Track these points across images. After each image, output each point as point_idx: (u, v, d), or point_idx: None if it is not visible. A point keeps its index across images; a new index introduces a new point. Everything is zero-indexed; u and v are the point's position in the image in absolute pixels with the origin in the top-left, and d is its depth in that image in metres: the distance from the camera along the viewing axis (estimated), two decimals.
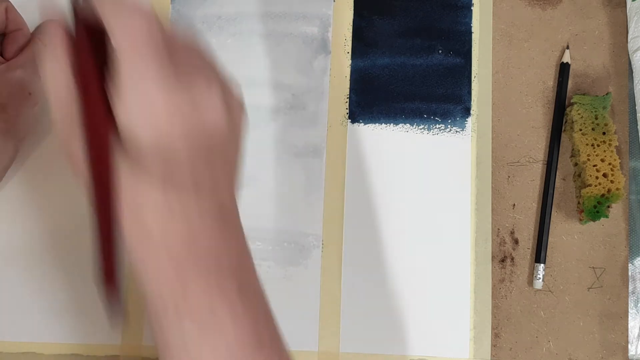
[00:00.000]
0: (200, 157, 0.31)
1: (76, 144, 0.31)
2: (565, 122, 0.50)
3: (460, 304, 0.48)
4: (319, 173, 0.50)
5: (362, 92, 0.51)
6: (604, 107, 0.49)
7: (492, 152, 0.50)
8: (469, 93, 0.51)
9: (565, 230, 0.50)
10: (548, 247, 0.49)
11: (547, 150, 0.50)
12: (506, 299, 0.49)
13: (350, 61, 0.51)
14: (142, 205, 0.30)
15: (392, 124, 0.50)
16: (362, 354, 0.48)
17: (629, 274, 0.49)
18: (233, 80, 0.34)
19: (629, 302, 0.49)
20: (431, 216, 0.49)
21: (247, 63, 0.51)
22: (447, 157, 0.50)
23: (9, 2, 0.45)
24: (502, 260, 0.49)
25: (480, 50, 0.51)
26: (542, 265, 0.49)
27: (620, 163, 0.48)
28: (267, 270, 0.48)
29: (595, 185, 0.48)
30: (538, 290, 0.49)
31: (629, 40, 0.51)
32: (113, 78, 0.29)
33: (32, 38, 0.45)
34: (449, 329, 0.48)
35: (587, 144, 0.48)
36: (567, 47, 0.51)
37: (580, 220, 0.49)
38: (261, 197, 0.49)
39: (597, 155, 0.48)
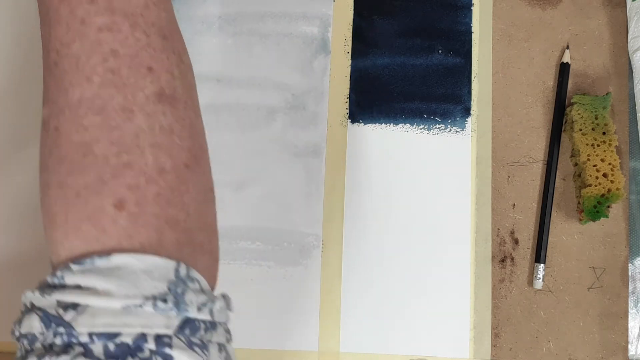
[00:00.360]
0: None
1: None
2: (565, 122, 0.50)
3: (460, 304, 0.48)
4: (319, 173, 0.50)
5: (362, 92, 0.51)
6: (604, 107, 0.49)
7: (492, 152, 0.50)
8: (469, 93, 0.51)
9: (565, 230, 0.50)
10: (548, 247, 0.49)
11: (547, 150, 0.50)
12: (506, 299, 0.49)
13: (350, 61, 0.51)
14: None
15: (392, 124, 0.50)
16: (362, 354, 0.48)
17: (629, 274, 0.49)
18: None
19: (629, 302, 0.49)
20: (431, 216, 0.49)
21: (247, 63, 0.51)
22: (447, 157, 0.50)
23: None
24: (502, 260, 0.49)
25: (480, 50, 0.51)
26: (542, 265, 0.49)
27: (620, 163, 0.48)
28: (267, 270, 0.48)
29: (595, 185, 0.48)
30: (538, 290, 0.49)
31: (629, 40, 0.51)
32: None
33: None
34: (449, 329, 0.48)
35: (587, 144, 0.48)
36: (567, 47, 0.51)
37: (580, 220, 0.49)
38: (261, 197, 0.49)
39: (597, 155, 0.48)
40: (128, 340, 0.28)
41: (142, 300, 0.29)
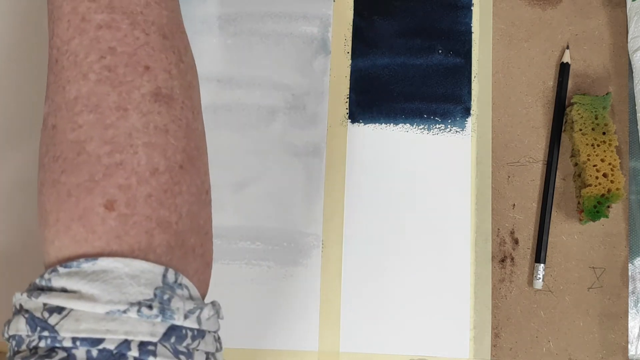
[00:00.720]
0: None
1: None
2: (565, 122, 0.50)
3: (460, 304, 0.48)
4: (319, 173, 0.50)
5: (362, 92, 0.51)
6: (604, 107, 0.49)
7: (492, 152, 0.50)
8: (469, 93, 0.51)
9: (565, 230, 0.50)
10: (548, 247, 0.49)
11: (547, 150, 0.50)
12: (506, 299, 0.49)
13: (350, 61, 0.51)
14: None
15: (392, 124, 0.50)
16: (362, 354, 0.48)
17: (629, 274, 0.49)
18: None
19: (629, 302, 0.49)
20: (431, 216, 0.49)
21: (247, 63, 0.51)
22: (447, 157, 0.50)
23: None
24: (502, 260, 0.49)
25: (480, 50, 0.51)
26: (542, 265, 0.49)
27: (620, 163, 0.48)
28: (267, 270, 0.48)
29: (595, 185, 0.48)
30: (538, 290, 0.49)
31: (629, 40, 0.51)
32: None
33: None
34: (449, 329, 0.48)
35: (587, 144, 0.48)
36: (567, 47, 0.52)
37: (580, 220, 0.49)
38: (261, 197, 0.49)
39: (597, 155, 0.48)
40: (111, 346, 0.28)
41: (126, 306, 0.28)
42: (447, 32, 0.51)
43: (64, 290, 0.29)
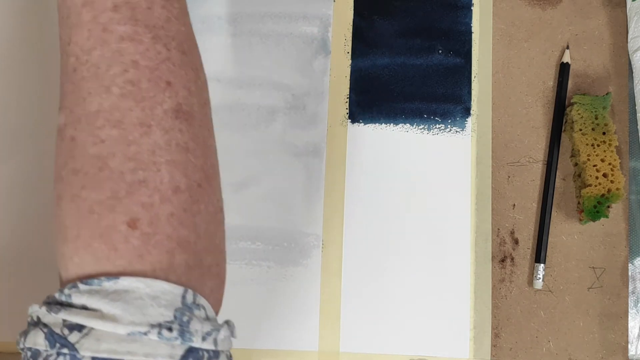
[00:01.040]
0: None
1: None
2: (565, 122, 0.50)
3: (460, 304, 0.48)
4: (319, 173, 0.50)
5: (362, 92, 0.51)
6: (604, 107, 0.49)
7: (492, 152, 0.50)
8: (469, 93, 0.51)
9: (565, 230, 0.50)
10: (548, 247, 0.49)
11: (547, 150, 0.50)
12: (506, 299, 0.49)
13: (350, 61, 0.51)
14: None
15: (392, 124, 0.50)
16: (362, 354, 0.48)
17: (629, 274, 0.49)
18: None
19: (629, 302, 0.49)
20: (431, 216, 0.49)
21: (247, 63, 0.51)
22: (447, 157, 0.50)
23: None
24: (502, 260, 0.49)
25: (480, 50, 0.51)
26: (542, 265, 0.49)
27: (620, 163, 0.48)
28: (267, 271, 0.48)
29: (595, 185, 0.48)
30: (538, 290, 0.49)
31: (629, 40, 0.51)
32: None
33: None
34: (449, 329, 0.48)
35: (587, 144, 0.48)
36: (567, 47, 0.51)
37: (580, 220, 0.49)
38: (261, 197, 0.49)
39: (597, 155, 0.48)
40: None
41: (147, 327, 0.28)
42: (447, 32, 0.51)
43: (84, 308, 0.29)
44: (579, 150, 0.49)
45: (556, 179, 0.50)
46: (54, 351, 0.28)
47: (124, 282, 0.29)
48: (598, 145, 0.48)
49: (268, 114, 0.50)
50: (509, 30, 0.52)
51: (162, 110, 0.31)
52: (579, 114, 0.49)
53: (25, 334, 0.30)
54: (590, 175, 0.48)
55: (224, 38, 0.51)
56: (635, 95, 0.51)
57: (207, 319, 0.31)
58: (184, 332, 0.29)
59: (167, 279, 0.30)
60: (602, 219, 0.48)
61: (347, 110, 0.50)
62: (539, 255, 0.49)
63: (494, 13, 0.52)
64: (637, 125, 0.50)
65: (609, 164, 0.48)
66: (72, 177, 0.31)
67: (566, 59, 0.51)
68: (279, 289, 0.48)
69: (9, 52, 0.49)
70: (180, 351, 0.29)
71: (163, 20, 0.32)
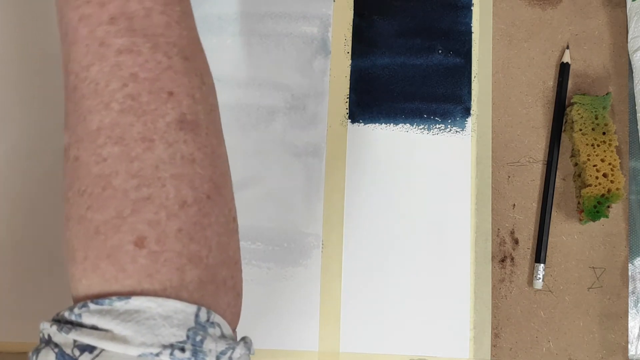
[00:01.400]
0: None
1: None
2: (565, 122, 0.50)
3: (460, 304, 0.48)
4: (319, 173, 0.50)
5: (362, 92, 0.51)
6: (604, 107, 0.49)
7: (492, 152, 0.50)
8: (469, 93, 0.51)
9: (565, 230, 0.50)
10: (548, 247, 0.49)
11: (547, 150, 0.50)
12: (506, 299, 0.49)
13: (350, 61, 0.51)
14: None
15: (392, 124, 0.50)
16: (362, 354, 0.48)
17: (629, 274, 0.49)
18: None
19: (629, 302, 0.49)
20: (431, 216, 0.49)
21: (247, 63, 0.51)
22: (447, 157, 0.50)
23: None
24: (502, 260, 0.49)
25: (480, 50, 0.51)
26: (542, 265, 0.49)
27: (620, 163, 0.48)
28: (267, 271, 0.48)
29: (595, 185, 0.48)
30: (538, 290, 0.49)
31: (629, 40, 0.51)
32: None
33: None
34: (449, 329, 0.48)
35: (587, 144, 0.48)
36: (567, 47, 0.51)
37: (580, 220, 0.49)
38: (261, 197, 0.49)
39: (597, 155, 0.48)
40: None
41: (159, 348, 0.28)
42: (447, 32, 0.51)
43: (95, 328, 0.28)
44: (579, 150, 0.49)
45: (556, 179, 0.50)
46: None
47: (136, 302, 0.28)
48: (598, 145, 0.48)
49: (268, 114, 0.50)
50: (509, 30, 0.52)
51: (164, 122, 0.30)
52: (579, 114, 0.49)
53: (37, 351, 0.29)
54: (590, 175, 0.48)
55: (224, 38, 0.51)
56: (635, 95, 0.51)
57: (223, 336, 0.30)
58: (197, 352, 0.28)
59: (178, 297, 0.29)
60: (602, 219, 0.48)
61: (347, 110, 0.50)
62: (539, 255, 0.49)
63: (494, 13, 0.52)
64: (637, 125, 0.50)
65: (609, 164, 0.48)
66: (78, 198, 0.30)
67: (566, 59, 0.51)
68: (279, 289, 0.48)
69: (7, 53, 0.49)
70: None
71: (163, 26, 0.31)
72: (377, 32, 0.51)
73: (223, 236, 0.32)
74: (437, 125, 0.50)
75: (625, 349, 0.48)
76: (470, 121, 0.51)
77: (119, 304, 0.28)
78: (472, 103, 0.51)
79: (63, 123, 0.33)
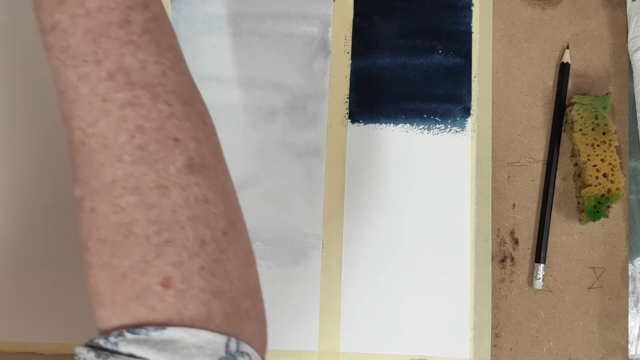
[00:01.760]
0: None
1: None
2: (565, 122, 0.50)
3: (460, 304, 0.48)
4: (319, 173, 0.50)
5: (362, 92, 0.51)
6: (604, 107, 0.49)
7: (492, 152, 0.50)
8: (469, 93, 0.51)
9: (565, 230, 0.50)
10: (548, 247, 0.49)
11: (547, 150, 0.50)
12: (506, 299, 0.49)
13: (350, 61, 0.51)
14: None
15: (392, 124, 0.50)
16: (362, 354, 0.48)
17: (629, 274, 0.49)
18: None
19: (629, 302, 0.49)
20: (431, 216, 0.49)
21: (247, 63, 0.51)
22: (447, 157, 0.50)
23: None
24: (502, 260, 0.49)
25: (480, 50, 0.51)
26: (542, 265, 0.49)
27: (620, 163, 0.48)
28: (267, 271, 0.48)
29: (595, 185, 0.48)
30: (538, 290, 0.49)
31: (629, 40, 0.51)
32: None
33: None
34: (449, 329, 0.48)
35: (587, 144, 0.48)
36: (567, 47, 0.51)
37: (580, 220, 0.49)
38: (261, 197, 0.49)
39: (597, 155, 0.48)
40: None
41: None
42: (447, 32, 0.51)
43: (131, 356, 0.29)
44: (579, 150, 0.49)
45: (556, 179, 0.50)
46: None
47: (171, 333, 0.29)
48: (598, 145, 0.48)
49: (268, 114, 0.50)
50: (509, 30, 0.52)
51: (175, 168, 0.31)
52: (579, 114, 0.49)
53: None
54: (590, 175, 0.48)
55: (224, 38, 0.51)
56: (635, 95, 0.51)
57: None
58: None
59: (207, 330, 0.30)
60: (602, 219, 0.48)
61: (347, 110, 0.50)
62: (539, 255, 0.49)
63: (494, 13, 0.52)
64: (637, 125, 0.50)
65: (609, 164, 0.48)
66: (100, 247, 0.31)
67: (566, 59, 0.51)
68: (278, 289, 0.48)
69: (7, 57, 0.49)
70: None
71: (159, 76, 0.32)
72: (377, 32, 0.51)
73: (242, 268, 0.33)
74: (437, 125, 0.50)
75: (625, 349, 0.49)
76: (470, 121, 0.51)
77: (155, 334, 0.29)
78: (472, 103, 0.51)
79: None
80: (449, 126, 0.50)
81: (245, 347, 0.31)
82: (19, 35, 0.50)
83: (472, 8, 0.52)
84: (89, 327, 0.47)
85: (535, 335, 0.49)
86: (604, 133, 0.49)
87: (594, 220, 0.48)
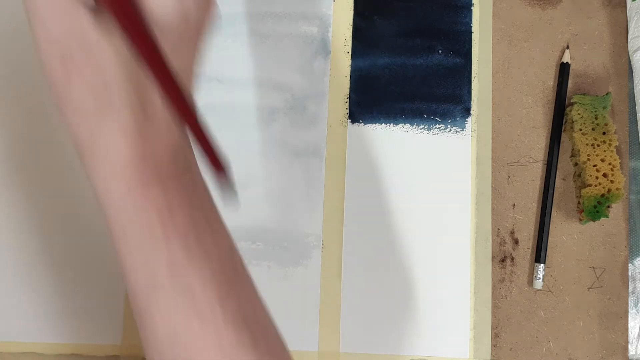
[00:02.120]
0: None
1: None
2: (565, 122, 0.50)
3: (460, 304, 0.48)
4: (319, 173, 0.50)
5: (362, 92, 0.51)
6: (604, 107, 0.49)
7: (492, 152, 0.50)
8: (469, 93, 0.51)
9: (565, 230, 0.50)
10: (548, 247, 0.49)
11: (547, 150, 0.50)
12: (506, 299, 0.49)
13: (350, 61, 0.51)
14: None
15: (392, 124, 0.50)
16: (362, 354, 0.48)
17: (629, 274, 0.49)
18: None
19: (629, 302, 0.49)
20: (431, 216, 0.49)
21: (247, 63, 0.51)
22: (447, 157, 0.50)
23: None
24: (502, 260, 0.49)
25: (480, 50, 0.51)
26: (542, 265, 0.49)
27: (620, 163, 0.48)
28: (267, 271, 0.48)
29: (595, 185, 0.48)
30: (538, 290, 0.49)
31: (629, 40, 0.51)
32: None
33: None
34: (449, 329, 0.48)
35: (587, 144, 0.48)
36: (567, 47, 0.51)
37: (580, 220, 0.49)
38: (261, 197, 0.49)
39: (597, 155, 0.48)
40: None
41: None
42: (447, 32, 0.51)
43: None
44: (579, 150, 0.49)
45: (556, 179, 0.50)
46: None
47: None
48: (598, 145, 0.48)
49: (268, 114, 0.50)
50: (509, 30, 0.52)
51: None
52: (579, 114, 0.49)
53: None
54: (590, 175, 0.48)
55: (224, 38, 0.51)
56: (635, 95, 0.51)
57: None
58: None
59: None
60: (602, 219, 0.48)
61: (347, 110, 0.50)
62: (539, 255, 0.49)
63: (494, 13, 0.52)
64: (637, 125, 0.50)
65: (609, 164, 0.48)
66: None
67: (566, 59, 0.51)
68: (278, 289, 0.48)
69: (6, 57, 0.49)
70: None
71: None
72: (377, 32, 0.51)
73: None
74: (437, 125, 0.50)
75: (625, 349, 0.49)
76: (470, 121, 0.51)
77: None
78: (472, 103, 0.51)
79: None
80: (449, 126, 0.50)
81: None
82: (19, 35, 0.50)
83: (472, 8, 0.52)
84: (90, 327, 0.48)
85: (535, 335, 0.49)
86: (604, 133, 0.49)
87: (594, 220, 0.48)
